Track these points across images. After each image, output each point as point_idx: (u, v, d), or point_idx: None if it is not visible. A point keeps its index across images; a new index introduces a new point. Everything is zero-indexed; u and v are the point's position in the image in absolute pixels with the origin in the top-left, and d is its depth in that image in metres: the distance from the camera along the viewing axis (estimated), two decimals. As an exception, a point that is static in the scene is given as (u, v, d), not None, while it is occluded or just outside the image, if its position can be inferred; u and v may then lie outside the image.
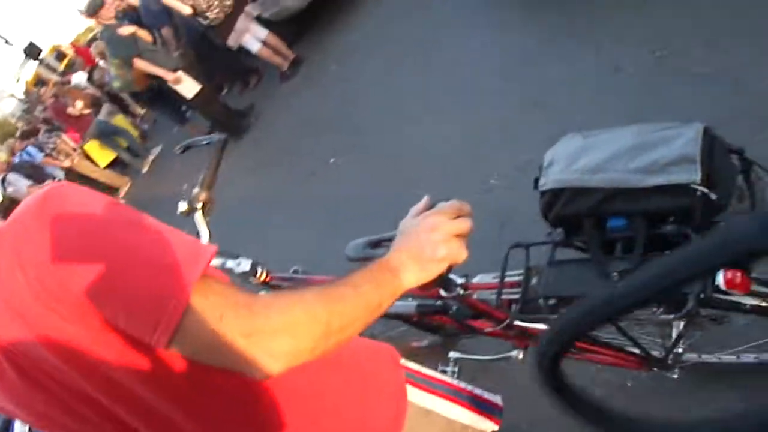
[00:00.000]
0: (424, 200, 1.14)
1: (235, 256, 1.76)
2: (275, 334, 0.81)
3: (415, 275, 1.01)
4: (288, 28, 7.96)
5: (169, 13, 7.59)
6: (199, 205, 1.89)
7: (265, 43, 7.50)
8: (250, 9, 7.40)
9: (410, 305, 1.80)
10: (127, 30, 7.14)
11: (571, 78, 3.63)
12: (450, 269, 1.08)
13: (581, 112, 3.32)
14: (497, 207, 3.22)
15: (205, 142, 2.10)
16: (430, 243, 1.03)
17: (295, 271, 1.95)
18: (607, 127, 1.48)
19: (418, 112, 4.73)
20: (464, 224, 1.08)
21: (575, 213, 1.36)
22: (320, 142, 5.81)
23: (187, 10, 7.12)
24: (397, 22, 6.20)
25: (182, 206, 1.89)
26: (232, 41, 7.39)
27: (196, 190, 1.92)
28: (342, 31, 7.32)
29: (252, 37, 7.41)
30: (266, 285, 1.81)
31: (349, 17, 7.41)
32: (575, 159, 1.38)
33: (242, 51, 7.68)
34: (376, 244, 1.57)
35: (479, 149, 3.83)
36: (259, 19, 7.55)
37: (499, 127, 3.83)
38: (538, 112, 3.64)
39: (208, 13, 7.08)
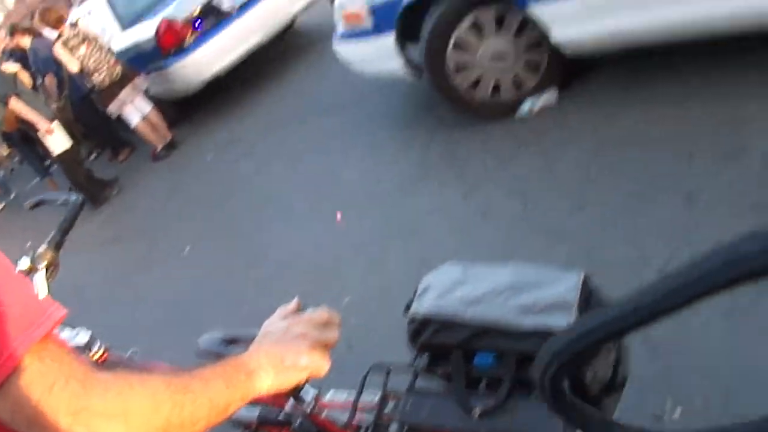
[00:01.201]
0: (294, 302, 1.11)
1: (73, 327, 1.61)
2: (107, 418, 0.71)
3: (271, 381, 0.94)
4: (173, 108, 7.90)
5: (57, 63, 7.36)
6: (43, 264, 1.76)
7: (145, 118, 7.38)
8: (139, 82, 7.34)
9: (252, 411, 1.68)
10: (11, 67, 6.85)
11: (440, 213, 3.75)
12: (308, 380, 1.03)
13: (445, 246, 3.41)
14: (348, 327, 3.15)
15: (60, 201, 1.99)
16: (294, 349, 0.98)
17: (134, 353, 1.82)
18: (469, 262, 1.49)
19: (279, 219, 4.74)
20: (332, 334, 1.05)
21: (444, 343, 1.34)
22: (178, 229, 5.66)
23: (74, 68, 7.00)
24: (280, 129, 6.30)
25: (24, 263, 1.74)
26: (113, 108, 7.26)
27: (42, 248, 1.79)
28: (225, 123, 7.34)
29: (134, 109, 7.30)
30: (101, 364, 1.66)
31: (235, 112, 7.46)
32: (452, 289, 1.37)
33: (121, 121, 7.51)
34: (231, 341, 1.48)
35: (335, 268, 3.81)
36: (146, 94, 7.46)
37: (360, 248, 3.85)
38: (402, 240, 3.71)
39: (94, 75, 6.95)
